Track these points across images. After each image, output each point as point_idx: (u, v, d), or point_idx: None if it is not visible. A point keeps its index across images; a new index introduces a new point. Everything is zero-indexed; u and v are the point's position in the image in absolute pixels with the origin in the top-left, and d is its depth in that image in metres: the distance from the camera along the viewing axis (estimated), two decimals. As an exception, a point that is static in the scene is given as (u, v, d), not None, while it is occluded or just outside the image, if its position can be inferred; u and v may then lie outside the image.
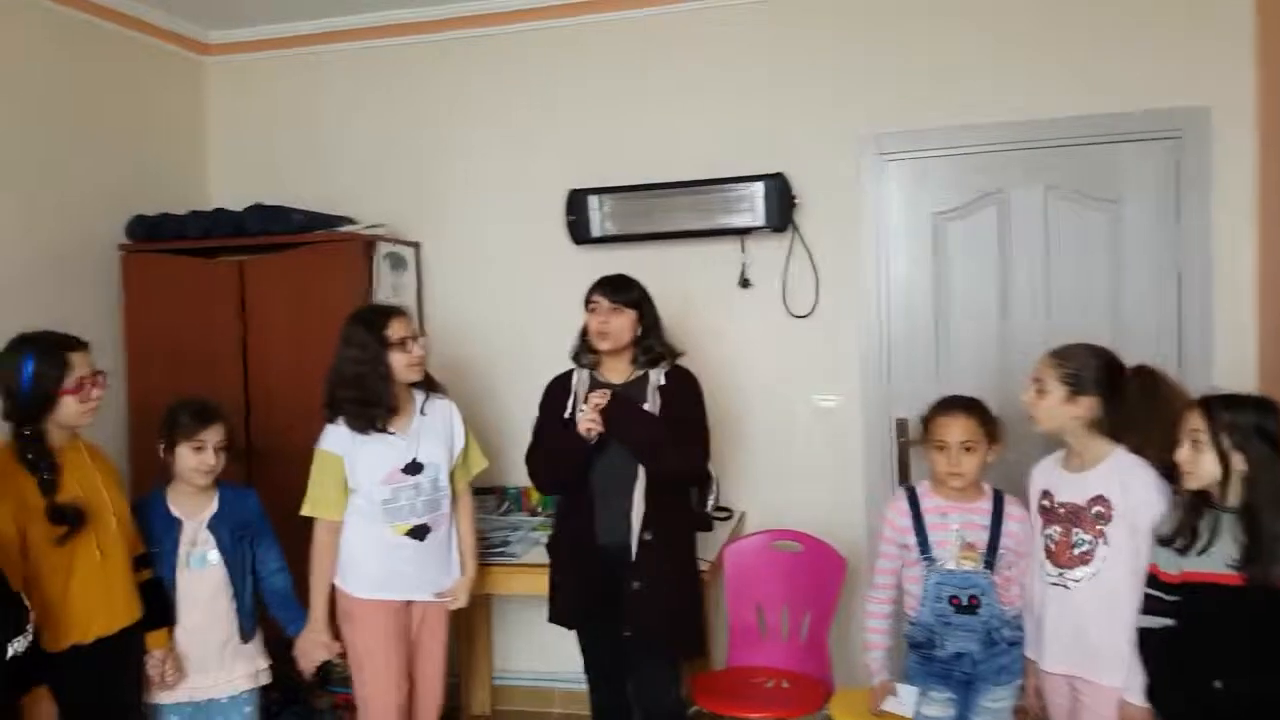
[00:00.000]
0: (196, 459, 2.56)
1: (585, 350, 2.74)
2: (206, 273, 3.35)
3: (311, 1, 3.61)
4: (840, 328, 3.46)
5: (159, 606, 2.49)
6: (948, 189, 3.39)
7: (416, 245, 3.75)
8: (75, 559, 2.24)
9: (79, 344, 2.31)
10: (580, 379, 2.73)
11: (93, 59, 3.43)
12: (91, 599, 2.26)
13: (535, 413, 2.77)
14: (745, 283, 3.49)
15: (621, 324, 2.66)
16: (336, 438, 2.63)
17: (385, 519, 2.63)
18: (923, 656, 2.49)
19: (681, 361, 2.75)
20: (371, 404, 2.58)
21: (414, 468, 2.65)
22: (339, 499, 2.64)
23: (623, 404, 2.59)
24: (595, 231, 3.50)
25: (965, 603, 2.42)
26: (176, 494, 2.62)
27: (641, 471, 2.60)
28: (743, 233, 3.42)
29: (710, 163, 3.45)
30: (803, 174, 3.41)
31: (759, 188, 3.34)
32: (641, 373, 2.70)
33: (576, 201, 3.50)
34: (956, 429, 2.43)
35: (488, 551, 3.06)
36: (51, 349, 2.26)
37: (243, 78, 3.95)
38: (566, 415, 2.66)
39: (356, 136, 3.84)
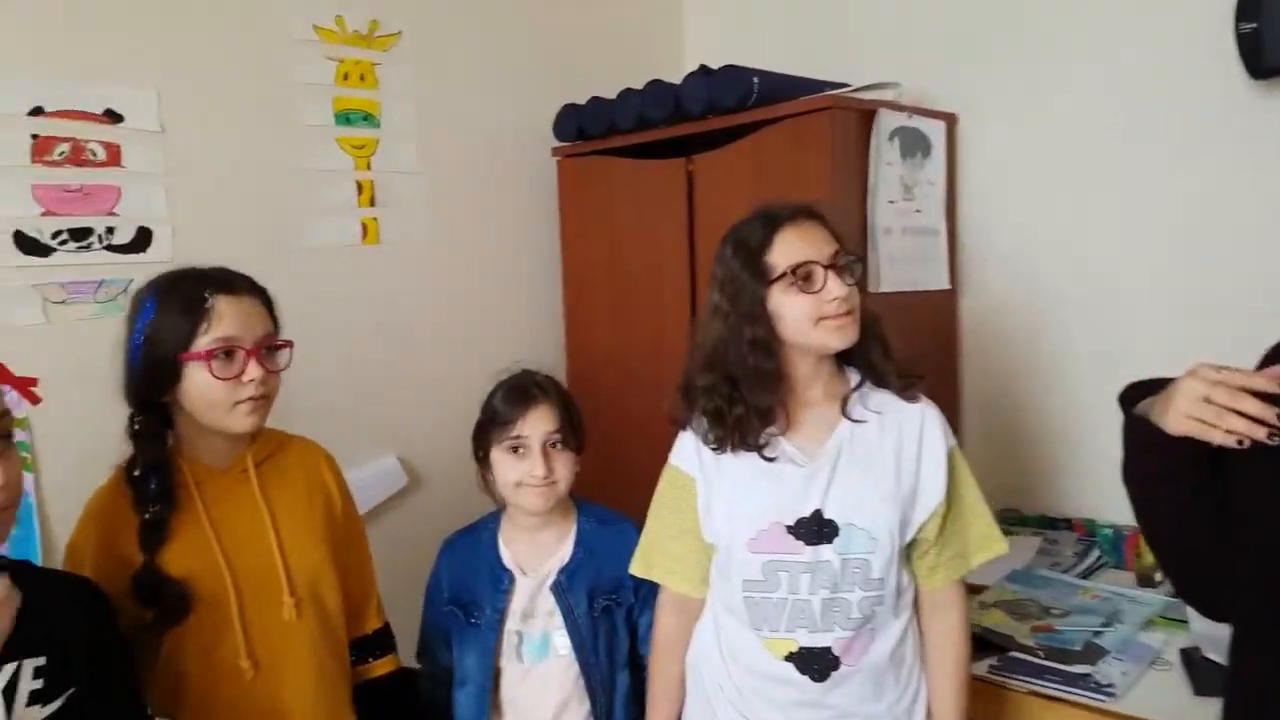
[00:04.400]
0: (516, 469, 1.59)
1: None
2: (646, 177, 2.41)
3: None
4: None
5: None
6: None
7: (948, 118, 2.36)
8: (207, 668, 1.39)
9: (239, 286, 1.42)
10: None
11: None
12: None
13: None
14: None
15: None
16: (691, 449, 1.48)
17: (749, 620, 1.42)
18: None
19: None
20: (735, 400, 1.39)
21: (815, 528, 1.39)
22: (695, 556, 1.51)
23: None
24: (1303, 46, 1.75)
25: None
26: (511, 529, 1.68)
27: None
28: None
29: None
30: None
31: None
32: None
33: (1261, -4, 1.79)
34: None
35: (1053, 670, 1.64)
36: (186, 285, 1.40)
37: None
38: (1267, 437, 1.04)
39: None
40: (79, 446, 1.67)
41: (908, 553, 1.47)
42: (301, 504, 1.51)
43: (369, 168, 2.36)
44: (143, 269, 1.51)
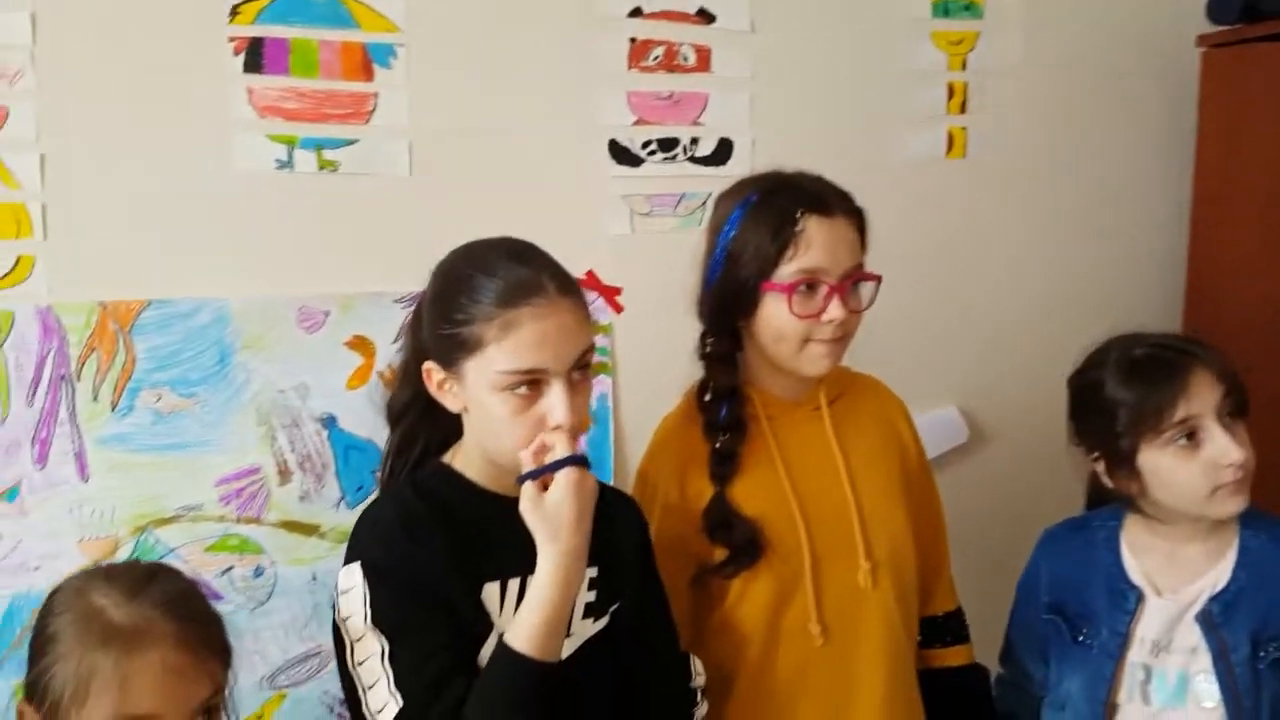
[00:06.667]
0: (1198, 469, 1.17)
1: None
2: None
3: None
4: None
5: None
6: None
7: None
8: (771, 626, 1.22)
9: (835, 207, 1.20)
10: None
11: None
12: (793, 708, 1.23)
13: None
14: None
15: None
16: None
17: None
18: None
19: None
20: None
21: None
22: None
23: None
24: None
25: None
26: (1142, 535, 1.28)
27: None
28: None
29: None
30: None
31: None
32: None
33: None
34: None
35: None
36: (778, 201, 1.20)
37: None
38: None
39: None
40: (654, 357, 1.67)
41: None
42: (878, 455, 1.33)
43: (963, 67, 2.04)
44: (720, 183, 1.40)
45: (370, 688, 1.02)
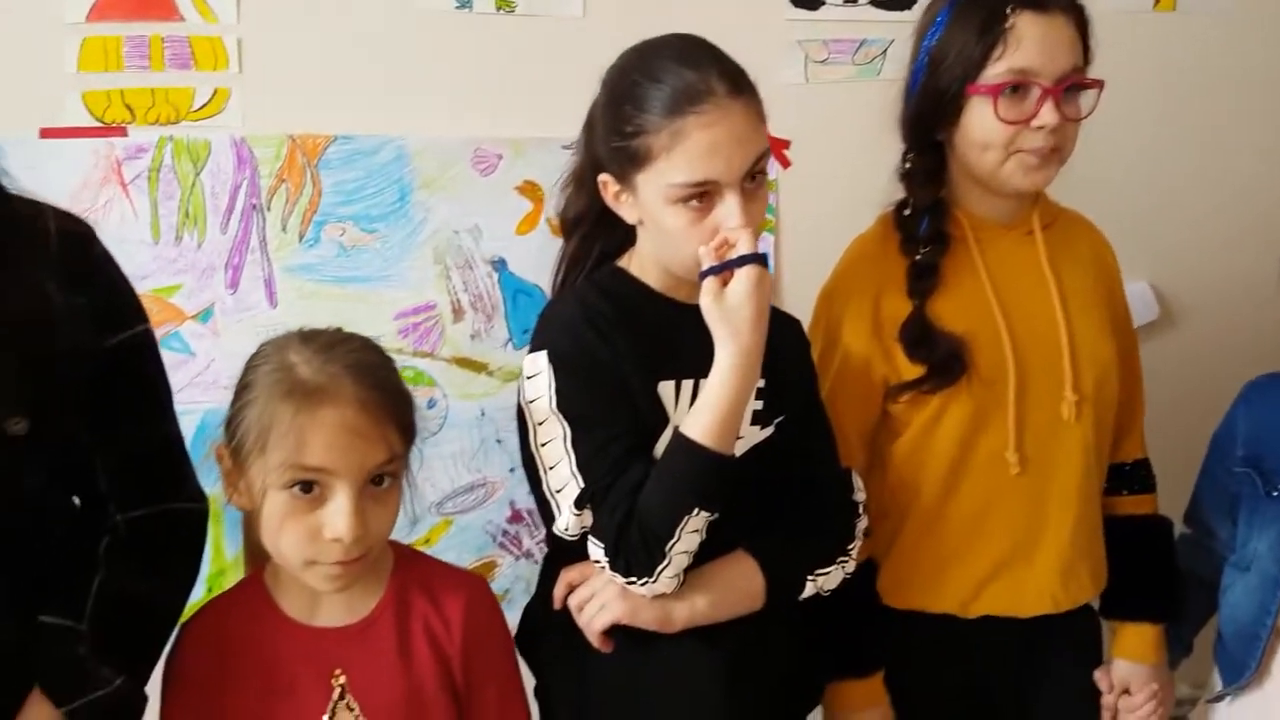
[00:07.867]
0: None
1: None
2: None
3: None
4: None
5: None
6: None
7: None
8: (965, 448, 1.19)
9: (1052, 2, 1.12)
10: None
11: None
12: (977, 538, 1.20)
13: None
14: None
15: None
16: None
17: None
18: None
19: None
20: None
21: None
22: None
23: None
24: None
25: None
26: None
27: None
28: None
29: None
30: None
31: None
32: None
33: None
34: None
35: None
36: None
37: None
38: None
39: None
40: (822, 218, 1.62)
41: None
42: (1091, 288, 1.26)
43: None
44: (903, 29, 1.32)
45: (552, 468, 1.05)
